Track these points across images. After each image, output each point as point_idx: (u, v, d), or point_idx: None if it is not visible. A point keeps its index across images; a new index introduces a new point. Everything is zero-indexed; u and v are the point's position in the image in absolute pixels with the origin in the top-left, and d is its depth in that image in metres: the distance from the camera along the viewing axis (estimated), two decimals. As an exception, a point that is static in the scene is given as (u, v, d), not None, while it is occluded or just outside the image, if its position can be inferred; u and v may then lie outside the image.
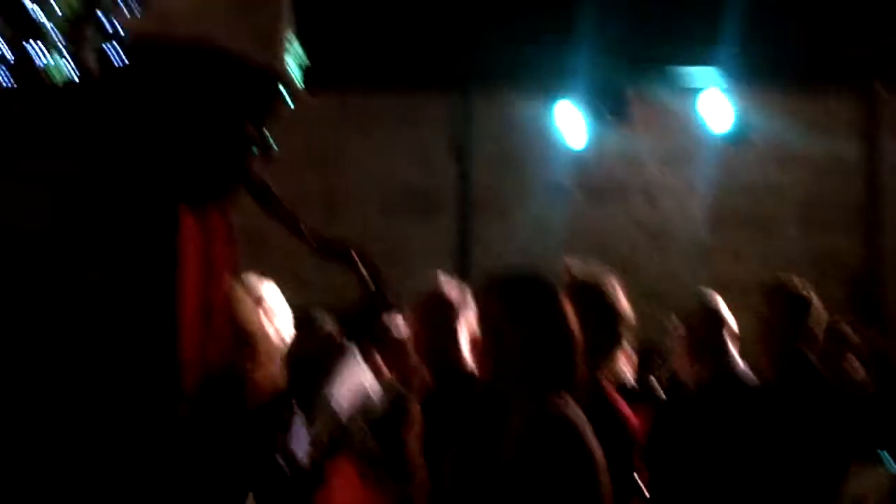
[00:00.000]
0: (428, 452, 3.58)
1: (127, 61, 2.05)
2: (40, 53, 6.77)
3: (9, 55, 6.81)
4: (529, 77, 9.62)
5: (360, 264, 2.08)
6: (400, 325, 6.25)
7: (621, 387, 6.28)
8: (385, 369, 6.48)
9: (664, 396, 5.71)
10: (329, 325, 7.58)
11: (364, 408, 6.47)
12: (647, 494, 3.95)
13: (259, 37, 1.98)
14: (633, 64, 9.01)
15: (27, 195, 1.84)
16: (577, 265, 3.80)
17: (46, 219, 1.82)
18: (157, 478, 1.93)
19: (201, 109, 1.92)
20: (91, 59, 7.95)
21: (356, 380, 6.76)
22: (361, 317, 2.30)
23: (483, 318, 3.20)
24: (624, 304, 3.81)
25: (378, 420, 5.47)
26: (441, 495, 3.31)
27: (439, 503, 3.31)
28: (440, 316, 3.91)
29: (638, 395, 6.25)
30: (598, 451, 3.07)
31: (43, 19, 7.06)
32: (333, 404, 6.64)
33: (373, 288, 2.06)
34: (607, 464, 3.08)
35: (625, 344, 3.81)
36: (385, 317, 6.49)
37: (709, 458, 4.74)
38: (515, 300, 3.14)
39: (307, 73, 7.57)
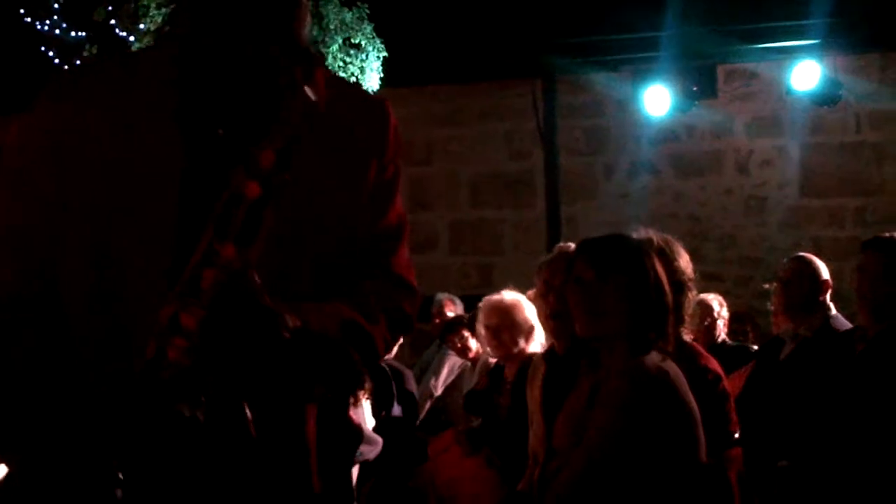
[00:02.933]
0: (552, 405, 3.64)
1: None
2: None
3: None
4: (612, 55, 9.63)
5: None
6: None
7: (715, 346, 6.35)
8: (479, 348, 6.60)
9: (761, 354, 5.67)
10: (452, 308, 7.80)
11: (459, 384, 6.63)
12: (743, 448, 3.93)
13: None
14: (718, 34, 8.95)
15: None
16: (633, 233, 3.81)
17: None
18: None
19: None
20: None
21: (451, 361, 6.92)
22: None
23: (575, 281, 3.28)
24: (683, 261, 3.81)
25: (474, 393, 5.57)
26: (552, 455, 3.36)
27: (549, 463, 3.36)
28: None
29: (734, 353, 6.28)
30: (694, 405, 3.14)
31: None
32: (431, 384, 6.82)
33: None
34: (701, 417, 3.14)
35: (689, 297, 3.80)
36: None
37: (810, 411, 4.71)
38: (606, 260, 3.25)
39: (391, 69, 7.67)
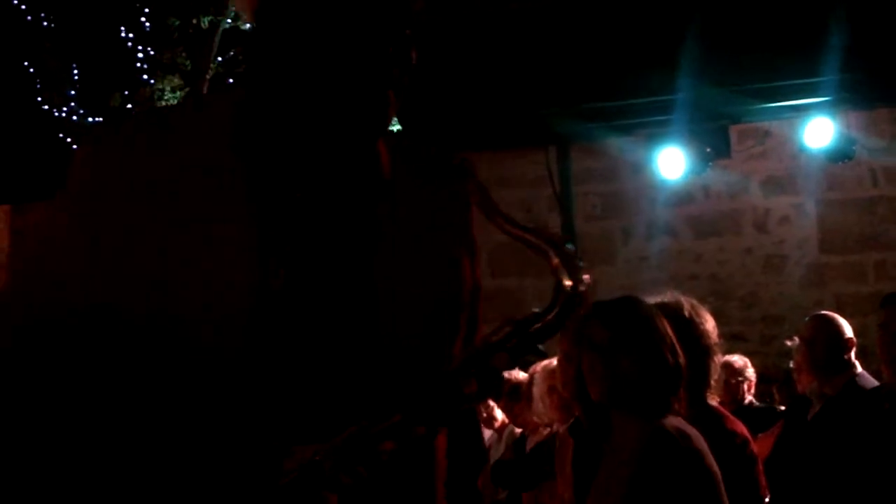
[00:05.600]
0: (583, 481, 3.59)
1: None
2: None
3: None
4: (625, 119, 9.66)
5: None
6: (517, 374, 6.31)
7: (742, 408, 6.29)
8: (504, 418, 6.56)
9: (788, 414, 5.62)
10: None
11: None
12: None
13: None
14: (729, 94, 8.98)
15: None
16: (661, 296, 3.77)
17: None
18: None
19: None
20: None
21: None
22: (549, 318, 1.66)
23: (589, 344, 3.23)
24: (710, 325, 3.77)
25: (501, 464, 5.53)
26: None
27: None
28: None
29: (761, 415, 6.22)
30: (716, 468, 3.10)
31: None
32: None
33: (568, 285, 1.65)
34: (727, 481, 3.09)
35: (716, 361, 3.76)
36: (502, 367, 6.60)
37: (839, 472, 4.65)
38: (618, 322, 3.20)
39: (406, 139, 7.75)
